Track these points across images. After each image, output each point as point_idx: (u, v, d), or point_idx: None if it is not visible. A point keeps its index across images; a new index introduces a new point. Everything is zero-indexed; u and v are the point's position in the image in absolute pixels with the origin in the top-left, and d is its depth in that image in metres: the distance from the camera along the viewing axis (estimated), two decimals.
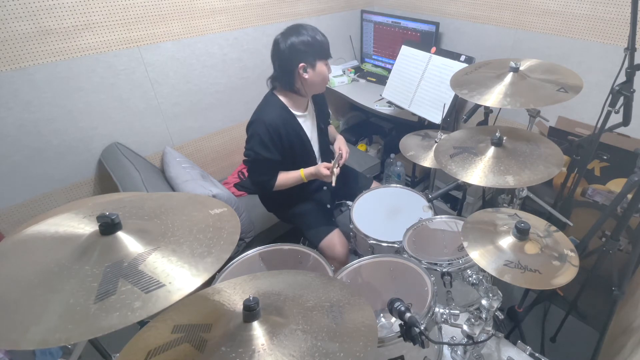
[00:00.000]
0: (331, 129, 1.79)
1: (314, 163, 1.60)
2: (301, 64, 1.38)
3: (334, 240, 1.56)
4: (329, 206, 1.70)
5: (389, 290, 1.16)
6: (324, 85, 1.50)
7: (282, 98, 1.47)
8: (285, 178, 1.50)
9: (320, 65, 1.41)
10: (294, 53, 1.36)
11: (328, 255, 1.55)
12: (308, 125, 1.56)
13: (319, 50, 1.39)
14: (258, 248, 1.25)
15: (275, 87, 1.49)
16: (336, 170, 1.43)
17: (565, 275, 0.79)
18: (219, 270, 0.77)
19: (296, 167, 1.51)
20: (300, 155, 1.54)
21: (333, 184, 1.41)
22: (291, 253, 1.27)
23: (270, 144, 1.41)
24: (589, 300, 1.62)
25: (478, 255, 0.83)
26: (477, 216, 0.96)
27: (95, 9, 1.62)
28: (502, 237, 0.87)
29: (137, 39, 1.78)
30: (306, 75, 1.40)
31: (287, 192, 1.56)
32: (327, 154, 1.69)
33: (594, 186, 1.73)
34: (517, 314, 1.63)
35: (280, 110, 1.45)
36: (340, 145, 1.66)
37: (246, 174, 2.27)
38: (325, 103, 1.69)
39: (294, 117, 1.49)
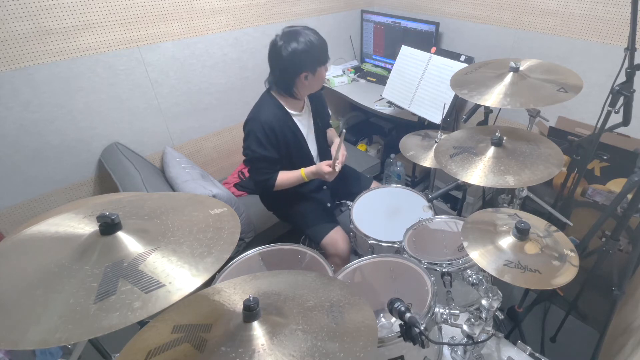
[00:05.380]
0: (332, 132, 1.79)
1: (312, 163, 1.60)
2: (304, 73, 1.38)
3: (337, 236, 1.56)
4: (329, 205, 1.70)
5: (389, 290, 1.16)
6: (321, 86, 1.51)
7: (278, 97, 1.48)
8: (286, 177, 1.50)
9: (320, 71, 1.42)
10: (296, 61, 1.35)
11: (330, 252, 1.55)
12: (304, 125, 1.56)
13: (320, 56, 1.39)
14: (258, 248, 1.25)
15: (272, 87, 1.49)
16: (338, 166, 1.43)
17: (565, 275, 0.79)
18: (219, 270, 0.77)
19: (293, 167, 1.51)
20: (296, 154, 1.54)
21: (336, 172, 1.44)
22: (291, 253, 1.27)
23: (266, 141, 1.41)
24: (589, 300, 1.62)
25: (478, 255, 0.83)
26: (477, 216, 0.96)
27: (95, 9, 1.62)
28: (502, 237, 0.87)
29: (137, 39, 1.78)
30: (306, 82, 1.42)
31: (286, 191, 1.56)
32: (325, 154, 1.69)
33: (594, 186, 1.73)
34: (517, 314, 1.63)
35: (275, 109, 1.45)
36: (324, 163, 1.66)
37: (246, 174, 2.27)
38: (324, 103, 1.69)
39: (289, 116, 1.49)
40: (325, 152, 1.69)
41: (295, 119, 1.51)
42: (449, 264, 1.10)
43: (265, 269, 1.25)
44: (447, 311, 0.90)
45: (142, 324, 0.62)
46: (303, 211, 1.64)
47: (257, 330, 0.60)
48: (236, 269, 1.19)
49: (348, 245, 1.56)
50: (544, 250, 0.84)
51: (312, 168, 1.49)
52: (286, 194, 1.59)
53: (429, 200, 1.48)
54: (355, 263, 1.14)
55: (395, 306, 0.80)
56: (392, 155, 2.55)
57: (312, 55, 1.36)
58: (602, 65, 1.77)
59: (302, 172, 1.49)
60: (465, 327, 0.87)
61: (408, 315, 0.77)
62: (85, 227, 0.67)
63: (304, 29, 1.38)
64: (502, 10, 2.07)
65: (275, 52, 1.38)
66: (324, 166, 1.44)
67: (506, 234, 0.87)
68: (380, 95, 2.31)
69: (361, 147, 2.90)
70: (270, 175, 1.48)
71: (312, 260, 1.23)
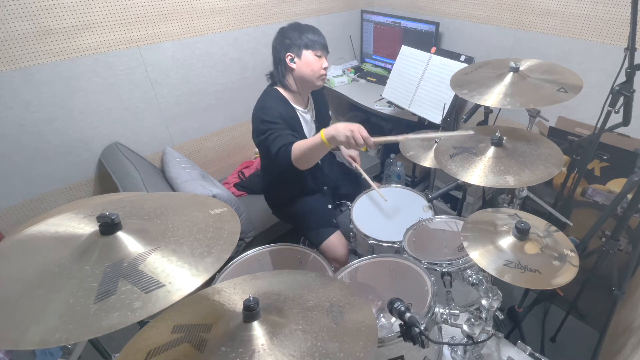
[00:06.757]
0: None
1: None
2: (288, 54, 1.40)
3: (336, 241, 1.56)
4: (330, 206, 1.70)
5: (389, 290, 1.16)
6: (317, 79, 1.43)
7: (282, 91, 1.47)
8: (302, 141, 1.25)
9: (307, 54, 1.40)
10: (281, 42, 1.40)
11: (329, 256, 1.54)
12: (307, 122, 1.56)
13: (305, 39, 1.40)
14: (258, 248, 1.25)
15: (274, 82, 1.50)
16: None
17: (565, 275, 0.79)
18: (219, 270, 0.77)
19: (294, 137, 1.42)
20: None
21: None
22: (291, 253, 1.27)
23: (275, 119, 1.35)
24: (589, 300, 1.61)
25: (478, 255, 0.83)
26: (477, 216, 0.96)
27: (95, 9, 1.62)
28: (502, 237, 0.87)
29: (137, 39, 1.78)
30: (293, 65, 1.41)
31: (289, 191, 1.55)
32: (325, 156, 1.69)
33: (594, 186, 1.73)
34: (517, 314, 1.63)
35: (280, 102, 1.45)
36: (351, 153, 1.71)
37: (246, 173, 2.27)
38: (326, 106, 1.69)
39: (294, 110, 1.49)
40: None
41: (299, 114, 1.51)
42: (449, 264, 1.10)
43: (265, 269, 1.25)
44: (447, 311, 0.90)
45: (142, 324, 0.62)
46: (304, 213, 1.64)
47: (257, 330, 0.60)
48: (236, 269, 1.19)
49: (346, 250, 1.56)
50: (544, 250, 0.84)
51: (332, 125, 1.18)
52: (289, 193, 1.59)
53: (429, 200, 1.48)
54: (355, 263, 1.14)
55: (395, 306, 0.80)
56: (392, 155, 2.55)
57: (296, 36, 1.39)
58: (602, 65, 1.77)
59: (322, 133, 1.17)
60: (465, 327, 0.87)
61: (408, 315, 0.78)
62: (85, 227, 0.67)
63: (297, 23, 1.44)
64: (502, 10, 2.07)
65: (272, 47, 1.46)
66: (356, 131, 1.11)
67: (506, 234, 0.87)
68: (380, 95, 2.31)
69: None
70: (287, 140, 1.29)
71: (312, 260, 1.23)
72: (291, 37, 1.39)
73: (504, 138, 1.10)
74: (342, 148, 1.81)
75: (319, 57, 1.42)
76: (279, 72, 1.45)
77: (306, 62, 1.41)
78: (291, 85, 1.46)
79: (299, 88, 1.48)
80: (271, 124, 1.35)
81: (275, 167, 1.41)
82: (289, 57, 1.40)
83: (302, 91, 1.51)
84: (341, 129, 1.13)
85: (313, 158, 1.27)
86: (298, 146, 1.25)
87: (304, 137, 1.54)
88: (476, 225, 0.92)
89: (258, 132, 1.39)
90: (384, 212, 1.51)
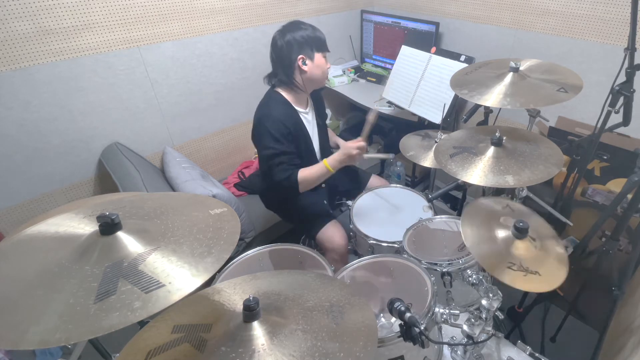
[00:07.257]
0: (331, 133, 1.79)
1: (315, 161, 1.59)
2: (300, 56, 1.39)
3: (332, 230, 1.55)
4: (325, 202, 1.70)
5: (389, 290, 1.16)
6: (324, 80, 1.49)
7: (284, 94, 1.47)
8: (308, 173, 1.42)
9: (318, 57, 1.42)
10: (292, 46, 1.39)
11: (327, 247, 1.54)
12: (309, 122, 1.56)
13: (317, 41, 1.41)
14: (258, 248, 1.25)
15: (274, 84, 1.49)
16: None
17: (558, 274, 0.78)
18: (219, 270, 0.77)
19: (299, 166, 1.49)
20: (303, 152, 1.53)
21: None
22: (291, 253, 1.27)
23: (281, 137, 1.39)
24: (589, 300, 1.61)
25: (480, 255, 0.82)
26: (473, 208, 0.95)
27: (95, 9, 1.62)
28: (504, 237, 0.86)
29: (137, 39, 1.78)
30: (305, 67, 1.41)
31: (288, 193, 1.55)
32: (327, 153, 1.69)
33: (594, 186, 1.73)
34: (517, 314, 1.63)
35: (283, 105, 1.45)
36: (349, 143, 1.70)
37: (246, 173, 2.27)
38: (323, 102, 1.70)
39: (297, 112, 1.49)
40: (326, 150, 1.69)
41: (301, 115, 1.51)
42: (449, 264, 1.10)
43: (265, 269, 1.25)
44: (447, 311, 0.90)
45: (142, 324, 0.62)
46: (300, 207, 1.64)
47: (257, 330, 0.60)
48: (236, 269, 1.19)
49: (344, 240, 1.55)
50: (539, 249, 0.84)
51: (334, 156, 1.41)
52: (287, 194, 1.58)
53: (429, 200, 1.48)
54: (355, 263, 1.14)
55: (395, 306, 0.80)
56: (392, 155, 2.55)
57: (308, 39, 1.39)
58: (602, 65, 1.77)
59: (325, 163, 1.40)
60: (465, 327, 0.87)
61: (408, 315, 0.77)
62: (85, 227, 0.67)
63: (301, 21, 1.43)
64: (502, 10, 2.07)
65: (273, 45, 1.43)
66: (351, 149, 1.38)
67: (506, 233, 0.86)
68: (380, 95, 2.31)
69: None
70: (292, 171, 1.41)
71: (312, 260, 1.23)
72: (302, 39, 1.38)
73: (504, 138, 1.10)
74: (344, 145, 1.80)
75: (324, 57, 1.44)
76: (286, 73, 1.43)
77: (318, 64, 1.43)
78: (299, 85, 1.45)
79: (306, 88, 1.48)
80: (276, 142, 1.38)
81: None
82: (301, 59, 1.40)
83: (308, 91, 1.52)
84: (346, 160, 1.40)
85: (318, 183, 1.45)
86: (304, 179, 1.41)
87: (309, 139, 1.54)
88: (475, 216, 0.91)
89: (262, 145, 1.42)
90: (384, 212, 1.51)
